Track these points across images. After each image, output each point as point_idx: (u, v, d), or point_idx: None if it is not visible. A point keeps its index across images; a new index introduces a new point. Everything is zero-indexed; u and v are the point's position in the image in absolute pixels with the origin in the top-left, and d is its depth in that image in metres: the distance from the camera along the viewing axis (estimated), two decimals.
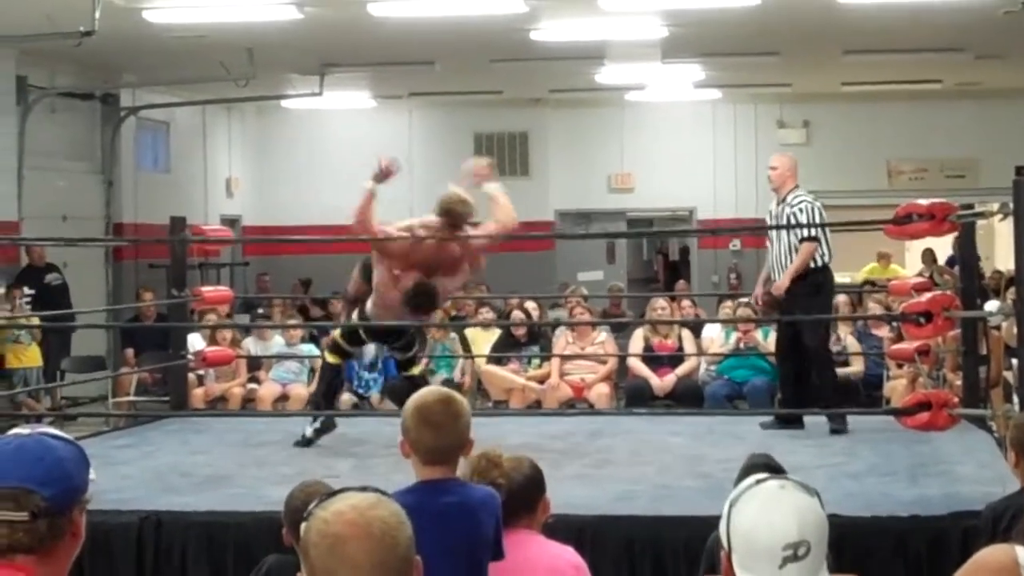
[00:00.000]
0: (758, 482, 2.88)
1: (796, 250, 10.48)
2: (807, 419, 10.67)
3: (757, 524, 2.78)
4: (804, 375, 10.82)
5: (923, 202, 8.28)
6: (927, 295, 8.54)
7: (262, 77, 16.85)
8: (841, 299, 15.36)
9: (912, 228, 8.32)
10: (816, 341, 10.73)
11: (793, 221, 10.44)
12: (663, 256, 28.61)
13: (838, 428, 10.28)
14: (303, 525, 2.58)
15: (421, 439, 4.44)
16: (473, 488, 4.56)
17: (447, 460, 4.48)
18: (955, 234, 9.98)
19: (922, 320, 8.11)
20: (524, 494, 4.86)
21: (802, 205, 10.52)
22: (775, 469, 5.38)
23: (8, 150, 16.57)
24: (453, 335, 14.40)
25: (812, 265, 10.48)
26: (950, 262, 19.75)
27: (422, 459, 4.46)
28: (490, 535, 4.48)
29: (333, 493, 2.63)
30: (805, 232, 10.41)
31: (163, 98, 19.84)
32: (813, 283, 10.51)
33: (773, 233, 10.75)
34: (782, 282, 10.42)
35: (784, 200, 10.64)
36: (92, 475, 2.87)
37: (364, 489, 2.63)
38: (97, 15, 12.99)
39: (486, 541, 4.47)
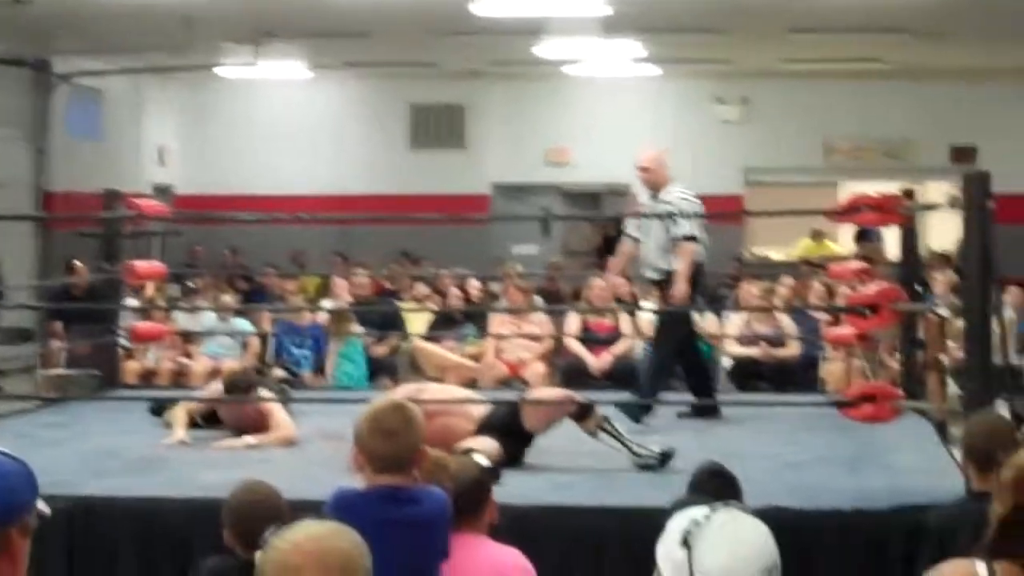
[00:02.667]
0: (707, 518, 2.89)
1: (669, 248, 10.36)
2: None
3: (731, 564, 2.79)
4: (698, 366, 10.86)
5: (873, 193, 8.22)
6: (873, 286, 8.47)
7: (197, 46, 16.61)
8: (787, 282, 15.26)
9: (860, 218, 8.27)
10: (663, 347, 10.63)
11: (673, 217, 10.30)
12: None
13: (687, 413, 10.26)
14: (258, 555, 2.59)
15: (375, 447, 4.38)
16: (427, 495, 4.47)
17: (401, 470, 4.41)
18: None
19: (868, 312, 8.05)
20: (470, 497, 4.76)
21: (682, 203, 10.40)
22: (727, 477, 5.29)
23: None
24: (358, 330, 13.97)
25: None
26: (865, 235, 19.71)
27: (375, 468, 4.38)
28: (446, 543, 4.42)
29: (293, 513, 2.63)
30: (682, 231, 10.29)
31: (96, 65, 19.55)
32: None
33: (645, 227, 10.60)
34: (679, 291, 10.27)
35: (657, 196, 10.56)
36: (45, 509, 2.71)
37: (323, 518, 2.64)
38: None
39: (441, 550, 4.41)
